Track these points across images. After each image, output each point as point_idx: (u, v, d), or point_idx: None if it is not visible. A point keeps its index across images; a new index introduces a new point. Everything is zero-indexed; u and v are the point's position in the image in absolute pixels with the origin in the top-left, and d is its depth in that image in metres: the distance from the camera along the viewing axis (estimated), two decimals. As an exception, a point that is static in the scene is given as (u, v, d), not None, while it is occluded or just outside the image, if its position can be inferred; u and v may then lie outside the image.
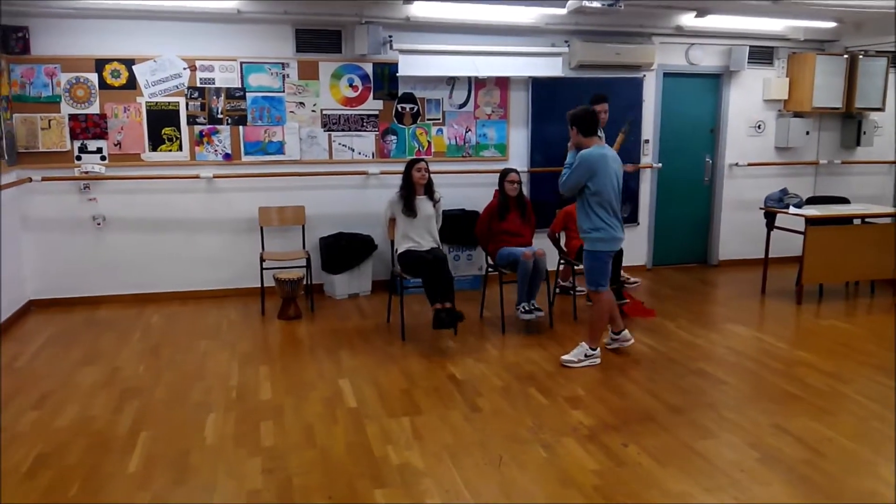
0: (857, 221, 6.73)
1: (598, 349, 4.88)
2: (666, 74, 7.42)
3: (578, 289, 6.41)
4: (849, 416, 4.05)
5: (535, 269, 5.45)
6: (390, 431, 3.82)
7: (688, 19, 6.89)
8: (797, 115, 7.83)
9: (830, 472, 3.39)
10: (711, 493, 3.19)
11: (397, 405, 4.18)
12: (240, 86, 6.31)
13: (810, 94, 7.55)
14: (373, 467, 3.42)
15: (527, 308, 5.49)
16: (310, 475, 3.35)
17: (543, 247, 5.99)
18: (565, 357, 4.85)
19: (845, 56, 7.62)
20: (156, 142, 6.23)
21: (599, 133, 4.97)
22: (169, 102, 6.20)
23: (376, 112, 6.65)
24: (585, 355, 4.83)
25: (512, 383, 4.53)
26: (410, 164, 5.54)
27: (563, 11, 5.30)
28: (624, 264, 6.98)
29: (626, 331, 5.13)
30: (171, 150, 6.26)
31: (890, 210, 6.92)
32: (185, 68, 6.18)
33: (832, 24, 7.12)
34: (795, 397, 4.33)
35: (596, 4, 4.72)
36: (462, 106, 6.87)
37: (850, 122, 8.00)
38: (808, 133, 7.87)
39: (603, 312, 4.86)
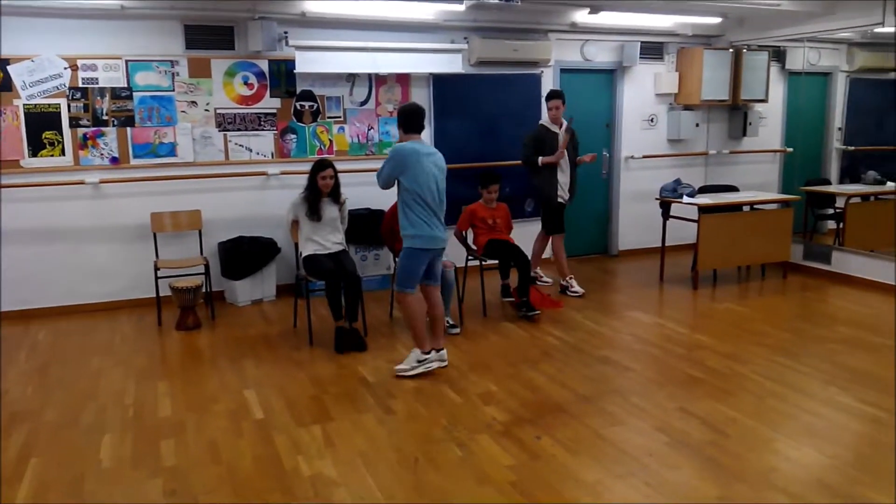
0: (746, 209, 7.05)
1: (431, 352, 4.66)
2: (563, 70, 7.55)
3: (543, 278, 6.85)
4: (748, 396, 4.21)
5: (444, 283, 5.40)
6: (300, 441, 3.69)
7: (582, 16, 7.03)
8: (687, 107, 8.15)
9: (735, 452, 3.51)
10: (623, 479, 3.25)
11: (307, 413, 4.05)
12: (126, 85, 5.97)
13: (699, 87, 7.86)
14: (283, 481, 3.29)
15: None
16: (216, 493, 3.19)
17: (451, 245, 5.98)
18: (399, 366, 4.62)
19: (730, 50, 7.97)
20: (36, 147, 5.80)
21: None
22: (49, 104, 5.79)
23: (274, 110, 6.44)
24: (417, 361, 4.61)
25: (424, 383, 4.48)
26: (316, 170, 5.37)
27: (461, 7, 5.27)
28: (530, 257, 7.10)
29: (438, 352, 4.72)
30: (53, 155, 5.85)
31: (776, 196, 7.29)
32: (65, 68, 5.79)
33: (718, 20, 7.43)
34: (698, 380, 4.47)
35: (493, 0, 4.70)
36: (363, 103, 6.75)
37: (736, 113, 8.38)
38: (697, 125, 8.19)
39: (414, 314, 4.63)
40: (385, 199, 5.70)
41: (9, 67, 5.66)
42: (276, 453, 3.56)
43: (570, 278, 6.59)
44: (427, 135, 7.04)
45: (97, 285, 6.16)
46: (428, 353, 4.65)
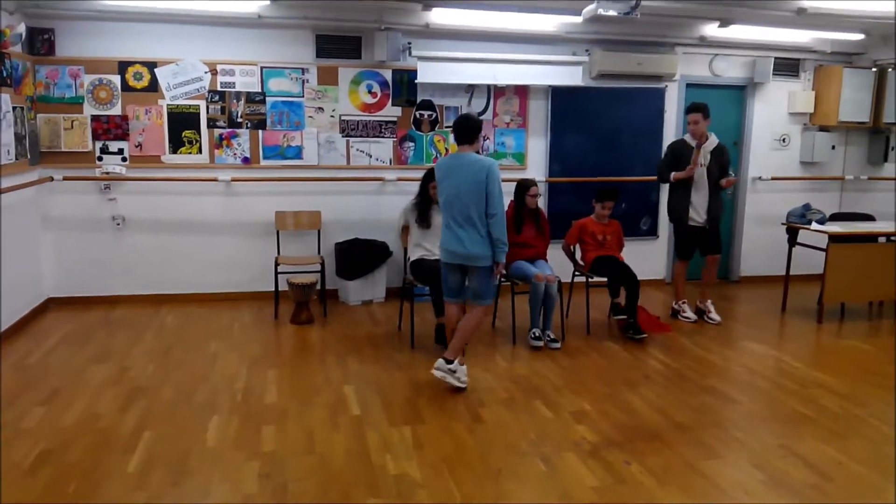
0: (882, 240, 6.57)
1: (456, 366, 4.54)
2: (689, 85, 7.33)
3: (685, 313, 6.36)
4: (861, 440, 3.94)
5: (547, 297, 5.41)
6: (390, 440, 3.80)
7: (711, 29, 6.81)
8: (823, 128, 7.69)
9: (836, 497, 3.30)
10: (711, 516, 3.13)
11: (400, 414, 4.16)
12: (260, 90, 6.37)
13: (836, 107, 7.41)
14: (369, 476, 3.40)
15: (537, 334, 5.46)
16: (305, 482, 3.35)
17: (558, 259, 5.97)
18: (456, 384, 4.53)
19: (873, 69, 7.46)
20: (176, 144, 6.30)
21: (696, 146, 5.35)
22: (190, 105, 6.27)
23: (395, 118, 6.67)
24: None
25: (517, 395, 4.49)
26: (427, 179, 5.53)
27: (578, 20, 5.25)
28: (643, 277, 6.92)
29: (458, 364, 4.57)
30: (190, 153, 6.34)
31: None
32: (206, 72, 6.25)
33: (859, 37, 6.99)
34: (807, 419, 4.23)
35: (612, 13, 4.66)
36: (481, 114, 6.85)
37: (877, 137, 7.84)
38: (833, 147, 7.72)
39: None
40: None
41: (156, 70, 6.17)
42: (366, 449, 3.68)
43: (683, 303, 6.38)
44: (543, 147, 7.06)
45: (223, 276, 6.60)
46: (451, 361, 4.53)
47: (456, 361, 4.55)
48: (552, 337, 5.50)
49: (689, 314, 6.30)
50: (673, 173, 6.05)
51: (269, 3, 5.89)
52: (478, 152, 4.63)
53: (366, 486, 3.32)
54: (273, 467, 3.48)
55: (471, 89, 6.77)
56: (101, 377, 4.64)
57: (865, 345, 5.76)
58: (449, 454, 3.66)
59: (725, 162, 6.06)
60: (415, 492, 3.28)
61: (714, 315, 6.22)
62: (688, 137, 6.07)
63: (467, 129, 4.52)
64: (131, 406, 4.19)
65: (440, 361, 4.55)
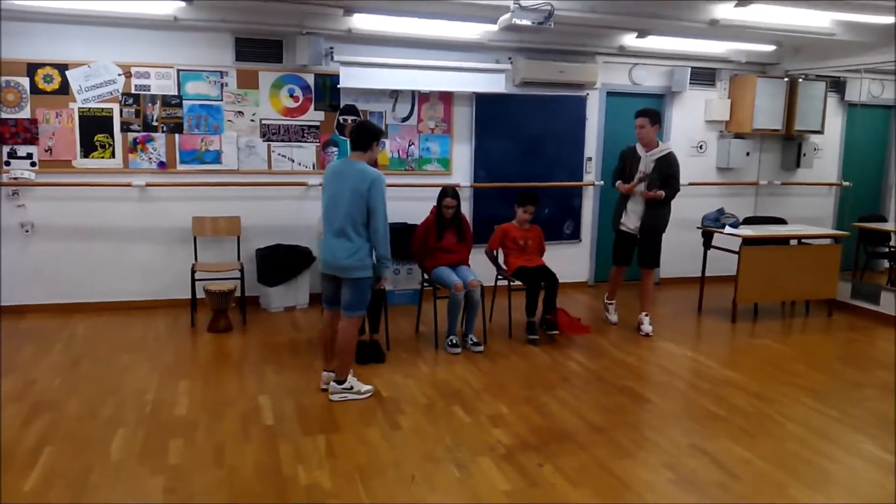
0: (793, 242, 6.83)
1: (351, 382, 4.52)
2: (609, 93, 7.49)
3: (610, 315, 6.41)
4: (768, 438, 4.07)
5: (469, 302, 5.43)
6: (303, 450, 3.73)
7: (630, 39, 6.96)
8: (738, 136, 7.96)
9: (742, 495, 3.40)
10: (618, 516, 3.18)
11: (315, 423, 4.10)
12: (176, 93, 6.20)
13: (751, 115, 7.68)
14: (279, 488, 3.34)
15: (454, 342, 5.47)
16: (213, 495, 3.26)
17: (480, 262, 6.00)
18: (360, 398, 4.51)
19: (785, 79, 7.77)
20: (88, 148, 6.08)
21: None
22: (102, 109, 6.06)
23: (317, 123, 6.58)
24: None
25: (437, 401, 4.48)
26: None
27: (494, 28, 5.30)
28: (567, 280, 7.03)
29: (328, 373, 4.57)
30: (103, 157, 6.12)
31: (822, 231, 7.04)
32: (119, 74, 6.05)
33: (772, 48, 7.25)
34: (719, 417, 4.35)
35: (526, 22, 4.71)
36: (405, 119, 6.83)
37: (790, 143, 8.15)
38: (748, 154, 8.00)
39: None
40: (422, 214, 5.77)
41: (67, 72, 5.95)
42: (277, 460, 3.61)
43: (609, 303, 6.47)
44: (468, 153, 7.09)
45: (138, 284, 6.39)
46: (342, 381, 4.47)
47: (349, 377, 4.50)
48: (475, 340, 5.51)
49: (611, 316, 6.40)
50: (618, 182, 6.02)
51: (185, 4, 5.75)
52: (374, 162, 4.53)
53: (275, 497, 3.26)
54: (179, 482, 3.37)
55: (395, 95, 6.75)
56: (4, 390, 4.43)
57: (777, 343, 5.96)
58: (362, 462, 3.62)
59: (670, 173, 5.84)
60: (325, 501, 3.23)
61: (645, 327, 6.08)
62: (638, 145, 5.94)
63: (360, 136, 4.38)
64: (34, 421, 4.01)
65: (333, 385, 4.47)
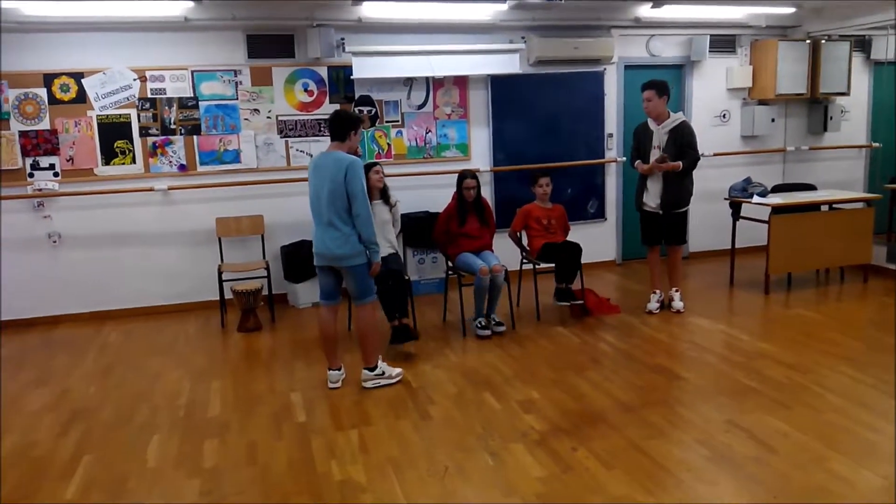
0: (824, 208, 6.68)
1: (381, 367, 4.57)
2: (627, 67, 7.35)
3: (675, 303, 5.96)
4: (805, 409, 3.98)
5: (493, 284, 5.40)
6: (336, 445, 3.74)
7: (645, 10, 6.82)
8: (762, 102, 7.78)
9: (779, 469, 3.33)
10: (653, 495, 3.13)
11: (346, 417, 4.10)
12: (192, 95, 6.22)
13: (774, 81, 7.49)
14: (313, 484, 3.35)
15: (483, 324, 5.45)
16: (246, 494, 3.28)
17: (504, 247, 5.95)
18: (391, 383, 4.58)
19: (808, 41, 7.56)
20: (109, 155, 6.13)
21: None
22: (120, 115, 6.10)
23: (333, 116, 6.57)
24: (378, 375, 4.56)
25: (466, 389, 4.46)
26: (367, 168, 5.46)
27: (504, 7, 5.21)
28: (594, 260, 6.94)
29: (335, 371, 4.59)
30: (124, 164, 6.17)
31: (854, 195, 6.85)
32: (135, 79, 6.09)
33: (792, 10, 7.07)
34: (753, 391, 4.27)
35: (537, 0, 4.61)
36: (421, 107, 6.78)
37: (816, 107, 7.95)
38: (773, 120, 7.82)
39: (319, 329, 4.64)
40: (443, 202, 5.74)
41: (83, 80, 5.99)
42: (310, 456, 3.63)
43: (653, 293, 6.03)
44: (485, 136, 7.02)
45: (166, 288, 6.45)
46: (372, 367, 4.53)
47: (379, 362, 4.54)
48: (497, 320, 5.51)
49: (652, 305, 5.96)
50: (637, 163, 5.84)
51: (194, 4, 5.75)
52: (354, 151, 4.48)
53: (309, 493, 3.27)
54: (214, 483, 3.40)
55: (409, 82, 6.70)
56: (39, 402, 4.50)
57: (811, 313, 5.84)
58: (395, 455, 3.62)
59: (685, 143, 5.61)
60: (358, 496, 3.23)
61: (676, 304, 5.92)
62: (649, 119, 5.74)
63: (335, 126, 4.36)
64: (70, 430, 4.06)
65: (365, 372, 4.52)
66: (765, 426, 3.78)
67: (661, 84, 5.67)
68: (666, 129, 5.65)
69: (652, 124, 5.73)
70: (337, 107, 6.54)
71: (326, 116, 6.50)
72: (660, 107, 5.63)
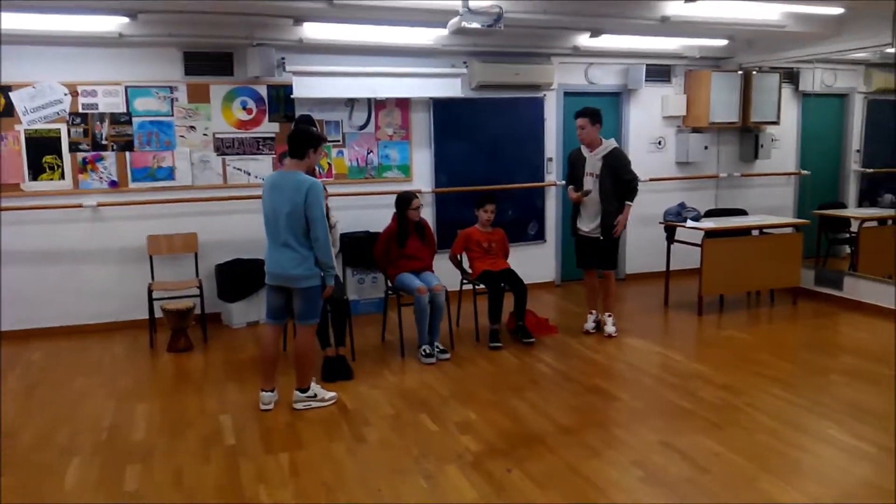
0: (756, 233, 6.88)
1: (314, 390, 4.52)
2: (567, 93, 7.49)
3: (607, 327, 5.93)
4: (737, 430, 4.05)
5: (434, 306, 5.35)
6: (266, 469, 3.63)
7: (584, 39, 6.94)
8: (696, 130, 8.02)
9: (712, 489, 3.36)
10: (587, 517, 3.12)
11: (278, 441, 3.99)
12: (125, 110, 6.05)
13: (707, 109, 7.73)
14: (240, 509, 3.24)
15: (427, 351, 5.36)
16: (170, 522, 3.15)
17: (444, 268, 5.94)
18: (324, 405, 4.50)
19: (739, 72, 7.83)
20: (36, 170, 5.91)
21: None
22: (49, 129, 5.90)
23: (273, 135, 6.48)
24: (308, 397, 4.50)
25: (403, 410, 4.40)
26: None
27: (444, 32, 5.25)
28: (534, 281, 6.98)
29: (268, 393, 4.48)
30: (52, 179, 5.95)
31: (783, 220, 7.09)
32: (66, 94, 5.90)
33: (725, 42, 7.31)
34: (687, 412, 4.32)
35: (475, 25, 4.66)
36: (363, 127, 6.76)
37: (747, 135, 8.22)
38: (706, 148, 8.05)
39: (261, 349, 4.58)
40: (384, 222, 5.70)
41: (11, 94, 5.78)
42: (238, 481, 3.51)
43: (589, 314, 6.08)
44: (427, 158, 7.04)
45: (94, 306, 6.22)
46: (305, 389, 4.46)
47: (312, 384, 4.48)
48: (441, 348, 5.44)
49: (588, 324, 6.02)
50: (569, 188, 5.86)
51: (128, 21, 5.61)
52: (312, 171, 4.42)
53: (235, 520, 3.16)
54: (136, 509, 3.26)
55: (351, 103, 6.67)
56: (-49, 425, 4.27)
57: (743, 334, 5.98)
58: (328, 479, 3.53)
59: (619, 167, 5.66)
60: (287, 521, 3.14)
61: (608, 328, 5.91)
62: (583, 146, 5.76)
63: (295, 143, 4.28)
64: (-14, 453, 3.86)
65: (297, 394, 4.45)
66: (698, 447, 3.82)
67: (594, 112, 5.70)
68: (599, 155, 5.67)
69: (585, 151, 5.75)
70: (276, 125, 6.47)
71: (266, 134, 6.45)
72: (592, 134, 5.66)
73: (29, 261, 6.01)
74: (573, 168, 5.87)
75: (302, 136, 4.32)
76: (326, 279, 4.31)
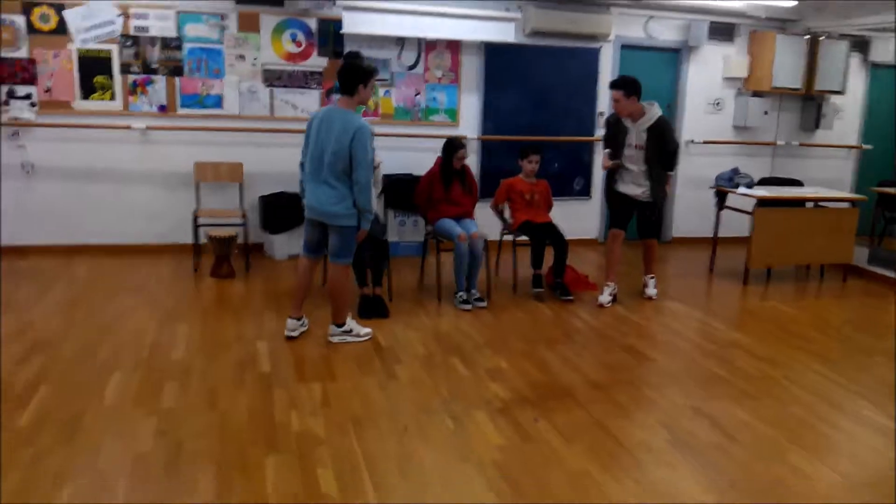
0: (809, 205, 6.66)
1: (350, 325, 4.55)
2: (623, 46, 7.26)
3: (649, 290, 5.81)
4: (772, 402, 3.97)
5: (472, 253, 5.32)
6: (298, 398, 3.69)
7: (647, -11, 6.72)
8: (756, 94, 7.73)
9: (739, 458, 3.31)
10: (611, 473, 3.10)
11: (312, 371, 4.05)
12: (176, 35, 6.05)
13: (770, 73, 7.44)
14: (270, 434, 3.29)
15: (464, 297, 5.35)
16: (202, 440, 3.21)
17: (485, 217, 5.88)
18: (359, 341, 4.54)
19: (806, 37, 7.49)
20: (88, 90, 5.97)
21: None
22: (101, 50, 5.93)
23: (320, 69, 6.43)
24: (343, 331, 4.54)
25: (436, 352, 4.42)
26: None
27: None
28: (576, 237, 6.86)
29: (294, 320, 4.53)
30: (103, 99, 6.01)
31: (840, 195, 6.85)
32: (118, 15, 5.90)
33: (793, 3, 6.98)
34: (721, 379, 4.26)
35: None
36: (412, 68, 6.66)
37: (809, 103, 7.91)
38: (766, 113, 7.78)
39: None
40: (427, 166, 5.65)
41: (64, 12, 5.80)
42: (270, 407, 3.57)
43: (606, 285, 5.70)
44: (476, 104, 6.93)
45: (140, 227, 6.34)
46: (341, 324, 4.51)
47: (348, 319, 4.52)
48: (478, 296, 5.43)
49: (604, 297, 5.60)
50: (605, 153, 5.60)
51: (185, -58, 5.57)
52: (364, 104, 4.34)
53: (265, 443, 3.21)
54: (170, 424, 3.34)
55: (401, 42, 6.56)
56: (2, 330, 4.40)
57: (788, 307, 5.84)
58: (357, 411, 3.57)
59: (665, 140, 5.38)
60: (315, 449, 3.18)
61: (650, 290, 5.80)
62: (625, 118, 5.43)
63: (343, 77, 4.20)
64: (29, 360, 3.98)
65: (332, 328, 4.50)
66: (730, 415, 3.76)
67: (630, 82, 5.30)
68: (643, 126, 5.32)
69: (627, 121, 5.41)
70: (325, 60, 6.41)
71: (314, 69, 6.39)
72: (630, 106, 5.30)
73: (78, 178, 6.12)
74: (611, 133, 5.56)
75: (352, 70, 4.23)
76: (362, 223, 4.29)
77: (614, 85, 5.37)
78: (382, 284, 5.26)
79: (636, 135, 5.40)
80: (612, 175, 5.65)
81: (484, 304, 5.40)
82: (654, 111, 5.36)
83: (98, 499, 2.76)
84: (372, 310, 5.04)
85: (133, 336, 4.43)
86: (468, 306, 5.32)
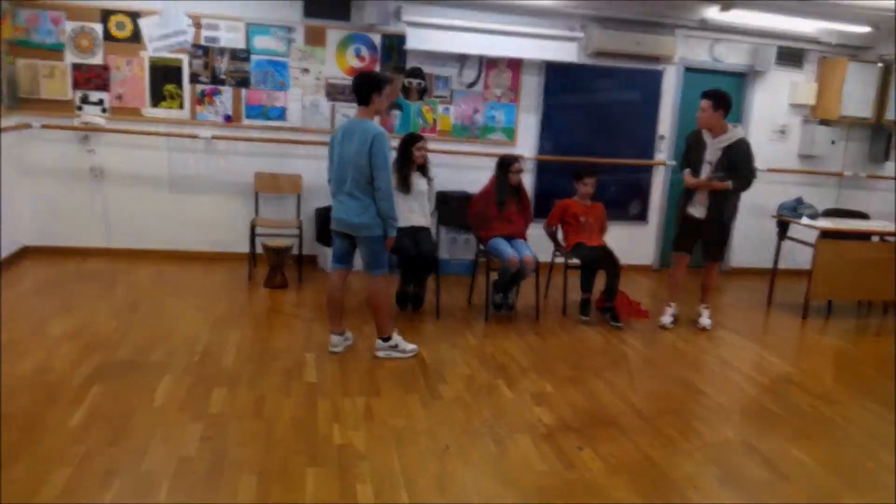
0: (875, 239, 6.42)
1: (395, 340, 4.58)
2: (687, 69, 7.15)
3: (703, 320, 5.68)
4: (826, 442, 3.83)
5: (519, 272, 5.35)
6: (341, 410, 3.71)
7: (713, 12, 6.59)
8: (823, 122, 7.50)
9: (790, 498, 3.21)
10: (654, 507, 3.04)
11: (357, 384, 4.08)
12: (244, 47, 6.21)
13: (839, 101, 7.22)
14: (312, 445, 3.32)
15: (499, 301, 5.54)
16: (247, 447, 3.26)
17: (537, 239, 5.84)
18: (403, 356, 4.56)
19: (879, 64, 7.26)
20: (157, 97, 6.17)
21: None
22: (172, 59, 6.12)
23: (383, 85, 6.51)
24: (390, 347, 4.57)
25: (480, 373, 4.40)
26: (411, 141, 5.44)
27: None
28: (630, 262, 6.75)
29: (337, 336, 4.56)
30: (171, 108, 6.20)
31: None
32: (189, 25, 6.09)
33: (867, 30, 6.78)
34: (774, 415, 4.13)
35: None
36: (471, 85, 6.69)
37: (880, 134, 7.65)
38: (833, 142, 7.54)
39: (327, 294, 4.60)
40: (482, 185, 5.66)
41: (139, 20, 6.01)
42: (314, 417, 3.60)
43: (668, 306, 5.70)
44: (534, 123, 6.91)
45: (200, 235, 6.49)
46: (386, 339, 4.55)
47: (394, 335, 4.54)
48: (510, 303, 5.65)
49: (665, 318, 5.64)
50: (686, 171, 5.45)
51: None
52: (379, 114, 4.38)
53: (307, 454, 3.24)
54: (216, 430, 3.40)
55: (462, 59, 6.60)
56: (61, 329, 4.56)
57: (848, 344, 5.64)
58: (399, 428, 3.57)
59: (741, 163, 5.25)
60: (356, 463, 3.20)
61: (703, 321, 5.65)
62: (704, 131, 5.33)
63: (359, 88, 4.26)
64: (85, 360, 4.10)
65: (379, 342, 4.53)
66: (782, 453, 3.64)
67: (722, 96, 5.22)
68: (721, 144, 5.24)
69: (707, 136, 5.33)
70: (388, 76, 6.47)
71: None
72: (712, 119, 5.22)
73: (143, 184, 6.32)
74: (690, 151, 5.47)
75: (364, 80, 4.29)
76: (388, 230, 4.31)
77: (707, 95, 5.28)
78: (424, 289, 5.49)
79: (712, 151, 5.30)
80: (686, 197, 5.52)
81: (511, 311, 5.64)
82: (737, 132, 5.31)
83: (141, 499, 2.82)
84: (409, 299, 5.29)
85: (186, 341, 4.54)
86: (500, 308, 5.60)
